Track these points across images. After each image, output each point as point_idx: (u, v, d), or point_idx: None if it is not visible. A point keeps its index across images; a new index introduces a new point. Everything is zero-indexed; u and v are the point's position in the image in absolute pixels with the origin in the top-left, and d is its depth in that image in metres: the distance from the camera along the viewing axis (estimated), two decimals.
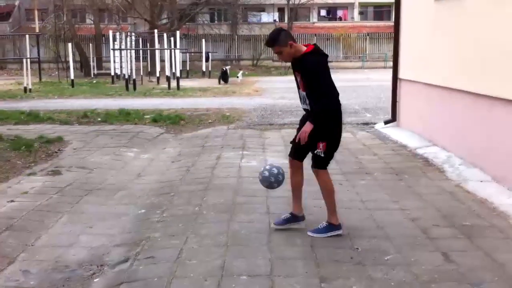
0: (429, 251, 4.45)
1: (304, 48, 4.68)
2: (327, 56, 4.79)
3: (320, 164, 4.73)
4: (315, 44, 4.82)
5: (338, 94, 4.69)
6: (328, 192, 4.79)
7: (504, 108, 6.33)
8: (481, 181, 6.45)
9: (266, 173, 4.88)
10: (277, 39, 4.63)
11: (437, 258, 4.28)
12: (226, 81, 25.84)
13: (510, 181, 6.09)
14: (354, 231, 4.86)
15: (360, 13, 50.27)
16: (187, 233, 4.88)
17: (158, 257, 4.37)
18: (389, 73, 11.73)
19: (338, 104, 4.68)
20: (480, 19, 6.97)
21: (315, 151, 4.70)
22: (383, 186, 6.50)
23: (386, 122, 11.05)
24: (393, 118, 10.90)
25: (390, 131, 10.26)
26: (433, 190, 6.33)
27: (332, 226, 4.76)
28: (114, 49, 27.12)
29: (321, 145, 4.64)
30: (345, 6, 50.05)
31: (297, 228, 4.92)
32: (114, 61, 27.48)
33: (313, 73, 4.59)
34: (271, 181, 4.88)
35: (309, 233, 4.77)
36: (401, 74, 10.63)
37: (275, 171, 4.88)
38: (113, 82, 26.48)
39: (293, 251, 4.43)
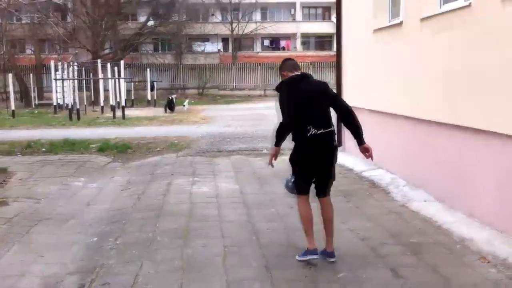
0: (379, 268, 4.62)
1: None
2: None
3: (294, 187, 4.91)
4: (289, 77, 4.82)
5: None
6: (300, 217, 4.92)
7: (442, 131, 6.67)
8: (425, 201, 6.74)
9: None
10: (279, 69, 4.91)
11: (387, 275, 4.47)
12: (172, 109, 25.77)
13: (452, 200, 6.40)
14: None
15: (303, 43, 51.64)
16: (142, 259, 4.88)
17: (114, 283, 4.35)
18: None
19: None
20: (417, 47, 7.36)
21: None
22: None
23: None
24: (339, 143, 11.18)
25: None
26: (380, 210, 6.57)
27: (305, 251, 4.76)
28: (56, 79, 26.64)
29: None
30: (287, 37, 51.29)
31: (251, 250, 5.04)
32: (57, 91, 27.00)
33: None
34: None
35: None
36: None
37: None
38: (55, 112, 25.95)
39: (249, 272, 4.51)
